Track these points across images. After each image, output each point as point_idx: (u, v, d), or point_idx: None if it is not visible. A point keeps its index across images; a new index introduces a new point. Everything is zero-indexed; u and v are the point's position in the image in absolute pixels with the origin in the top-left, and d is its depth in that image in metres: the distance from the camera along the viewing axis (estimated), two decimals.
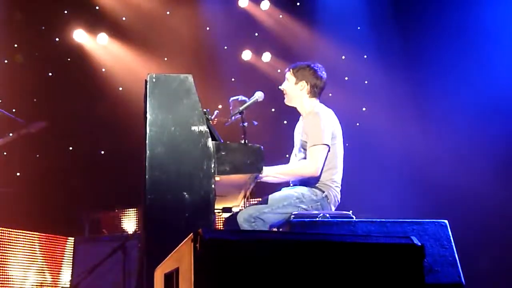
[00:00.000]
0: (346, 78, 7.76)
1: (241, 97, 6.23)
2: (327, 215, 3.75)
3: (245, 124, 3.73)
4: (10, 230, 5.98)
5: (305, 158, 4.00)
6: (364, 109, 7.28)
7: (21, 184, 6.94)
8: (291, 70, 4.16)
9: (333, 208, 4.02)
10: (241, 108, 3.89)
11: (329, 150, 3.94)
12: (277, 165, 3.96)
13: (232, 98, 6.36)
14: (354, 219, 3.76)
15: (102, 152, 7.85)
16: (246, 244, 2.15)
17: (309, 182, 3.98)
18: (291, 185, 4.12)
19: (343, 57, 7.87)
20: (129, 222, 6.48)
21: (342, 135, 4.13)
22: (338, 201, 4.06)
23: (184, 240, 2.21)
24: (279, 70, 7.65)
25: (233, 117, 3.98)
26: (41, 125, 6.27)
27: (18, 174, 7.27)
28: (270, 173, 3.85)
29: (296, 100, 4.17)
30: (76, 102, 7.44)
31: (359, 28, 7.81)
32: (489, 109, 6.43)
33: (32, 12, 7.40)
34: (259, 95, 4.01)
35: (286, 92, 4.18)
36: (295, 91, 4.14)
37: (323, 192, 3.95)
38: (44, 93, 7.51)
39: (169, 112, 3.31)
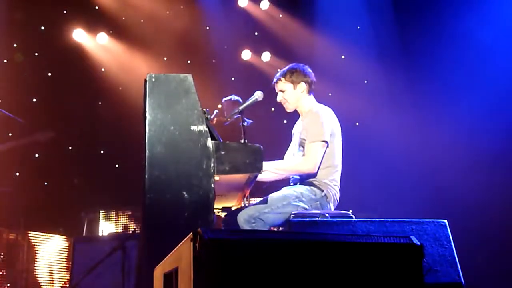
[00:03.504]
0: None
1: (233, 97, 6.23)
2: (327, 214, 3.76)
3: (245, 123, 3.73)
4: (10, 230, 5.98)
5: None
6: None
7: (20, 184, 6.94)
8: (283, 78, 4.15)
9: (333, 207, 4.02)
10: (241, 108, 3.88)
11: (327, 147, 3.94)
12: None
13: (224, 99, 6.35)
14: (354, 218, 3.76)
15: (102, 152, 7.85)
16: (245, 244, 2.15)
17: (308, 181, 3.98)
18: (291, 184, 4.12)
19: (343, 57, 7.87)
20: (129, 222, 6.47)
21: (342, 135, 4.13)
22: (337, 200, 4.05)
23: (184, 240, 2.20)
24: (279, 70, 7.63)
25: (233, 117, 3.96)
26: (50, 135, 6.34)
27: (17, 174, 7.27)
28: (268, 168, 3.84)
29: (297, 103, 4.18)
30: (76, 101, 7.43)
31: (358, 27, 7.81)
32: (489, 109, 6.42)
33: (32, 11, 7.39)
34: (258, 95, 4.00)
35: (288, 100, 4.17)
36: (296, 94, 4.14)
37: (322, 191, 3.95)
38: (43, 92, 7.51)
39: (169, 111, 3.30)
